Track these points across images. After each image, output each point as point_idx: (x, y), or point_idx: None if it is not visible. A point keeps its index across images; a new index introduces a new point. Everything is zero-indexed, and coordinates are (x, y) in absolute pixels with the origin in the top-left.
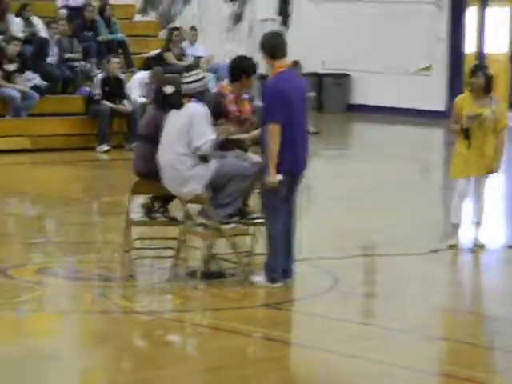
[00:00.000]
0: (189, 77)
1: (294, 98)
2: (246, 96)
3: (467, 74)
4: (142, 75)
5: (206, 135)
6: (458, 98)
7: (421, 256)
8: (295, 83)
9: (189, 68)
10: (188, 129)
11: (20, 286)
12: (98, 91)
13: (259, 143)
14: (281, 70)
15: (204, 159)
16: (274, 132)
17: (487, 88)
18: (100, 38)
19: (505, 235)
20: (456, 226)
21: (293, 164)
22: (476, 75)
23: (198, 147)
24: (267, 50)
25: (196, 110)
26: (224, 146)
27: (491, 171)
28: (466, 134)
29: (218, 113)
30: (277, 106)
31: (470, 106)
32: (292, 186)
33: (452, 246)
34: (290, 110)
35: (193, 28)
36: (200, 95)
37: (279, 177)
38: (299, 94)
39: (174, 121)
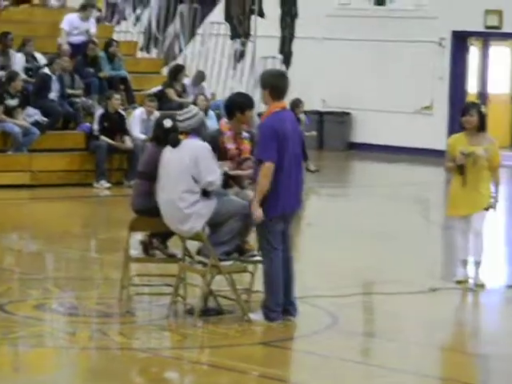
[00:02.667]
0: (182, 114)
1: (287, 138)
2: (246, 135)
3: (461, 112)
4: (142, 111)
5: (216, 170)
6: (451, 138)
7: (420, 294)
8: (289, 124)
9: (181, 106)
10: (192, 166)
11: (18, 321)
12: (96, 127)
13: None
14: (276, 109)
15: (207, 195)
16: (268, 170)
17: (481, 126)
18: (101, 75)
19: (505, 274)
20: (464, 263)
21: (284, 203)
22: (470, 113)
23: (212, 182)
24: (269, 89)
25: (199, 146)
26: (223, 183)
27: (487, 208)
28: (461, 170)
29: (215, 150)
30: (272, 145)
31: (463, 145)
32: (286, 223)
33: (460, 282)
34: (283, 149)
35: (200, 71)
36: (195, 132)
37: (263, 214)
38: (293, 134)
39: (173, 157)
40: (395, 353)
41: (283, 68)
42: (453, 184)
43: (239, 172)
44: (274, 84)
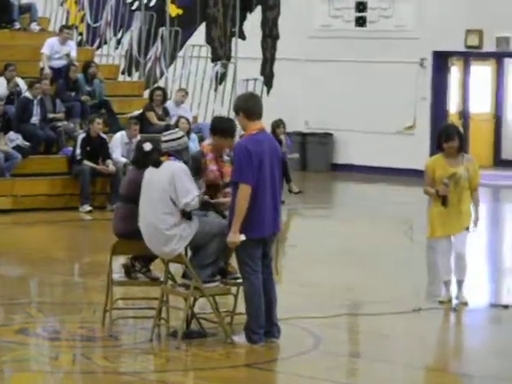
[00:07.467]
0: (167, 135)
1: (264, 160)
2: (226, 158)
3: (441, 138)
4: (123, 134)
5: (192, 191)
6: (430, 161)
7: (404, 315)
8: (267, 145)
9: (167, 127)
10: (170, 187)
11: (1, 346)
12: (79, 151)
13: None
14: (254, 132)
15: (188, 217)
16: (244, 192)
17: (460, 147)
18: (83, 99)
19: (488, 293)
20: (447, 283)
21: (261, 226)
22: (453, 139)
23: (188, 203)
24: (244, 111)
25: (175, 167)
26: (204, 206)
27: (468, 228)
28: (444, 200)
29: (197, 171)
30: (247, 167)
31: (443, 167)
32: (266, 246)
33: (443, 302)
34: (259, 171)
35: (181, 89)
36: (178, 154)
37: (242, 237)
38: (271, 156)
39: (152, 180)
40: (380, 373)
41: (265, 90)
42: (433, 205)
43: (220, 200)
44: (245, 106)
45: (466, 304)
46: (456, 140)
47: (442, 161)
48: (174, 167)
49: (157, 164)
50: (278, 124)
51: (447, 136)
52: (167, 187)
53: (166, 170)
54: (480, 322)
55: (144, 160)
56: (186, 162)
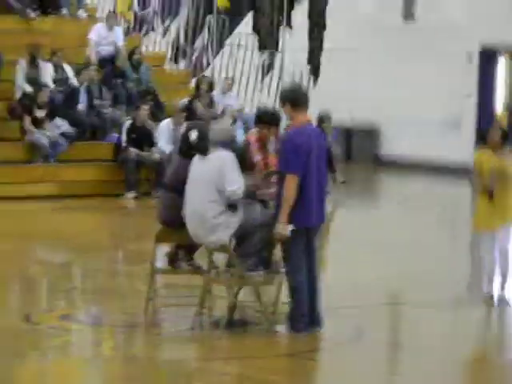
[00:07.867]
0: (215, 125)
1: (311, 152)
2: (272, 148)
3: (485, 133)
4: (169, 122)
5: (239, 180)
6: (477, 154)
7: (445, 307)
8: (314, 138)
9: (215, 117)
10: (217, 176)
11: (44, 332)
12: (124, 138)
13: None
14: (301, 123)
15: (233, 208)
16: (291, 183)
17: (504, 141)
18: (129, 86)
19: None
20: (490, 278)
21: (307, 216)
22: (496, 132)
23: (234, 191)
24: (290, 101)
25: (224, 157)
26: (249, 196)
27: None
28: (490, 194)
29: (243, 161)
30: (294, 158)
31: (489, 161)
32: (310, 237)
33: (486, 298)
34: (306, 163)
35: (227, 78)
36: (226, 143)
37: (290, 227)
38: (317, 148)
39: (200, 168)
40: (421, 364)
41: (312, 80)
42: (479, 200)
43: (265, 191)
44: (291, 97)
45: (507, 303)
46: (499, 132)
47: (488, 155)
48: (222, 156)
49: (204, 152)
50: (324, 117)
51: (490, 130)
52: (215, 176)
53: (214, 158)
54: None
55: (190, 149)
56: (233, 152)
